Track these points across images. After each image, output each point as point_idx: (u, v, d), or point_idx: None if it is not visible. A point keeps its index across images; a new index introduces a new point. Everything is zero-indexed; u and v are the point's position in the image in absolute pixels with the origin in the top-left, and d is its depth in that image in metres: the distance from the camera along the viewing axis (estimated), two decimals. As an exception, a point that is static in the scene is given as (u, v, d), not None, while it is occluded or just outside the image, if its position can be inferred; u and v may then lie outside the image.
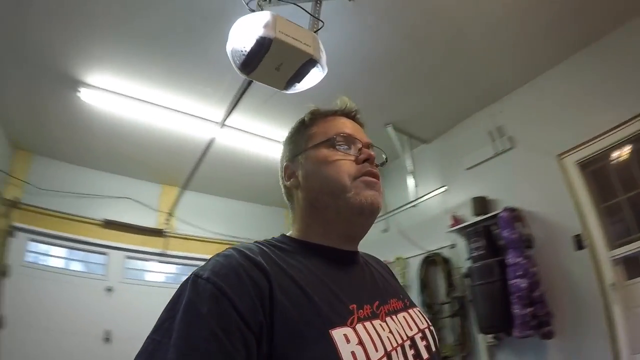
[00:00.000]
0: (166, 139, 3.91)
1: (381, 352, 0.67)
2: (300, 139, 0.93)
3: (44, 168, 4.36)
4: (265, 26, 1.73)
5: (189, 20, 2.56)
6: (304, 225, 0.88)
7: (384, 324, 0.73)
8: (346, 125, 0.92)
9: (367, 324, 0.70)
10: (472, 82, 3.34)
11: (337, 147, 0.87)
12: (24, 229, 4.03)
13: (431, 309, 3.56)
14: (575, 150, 2.98)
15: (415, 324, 0.82)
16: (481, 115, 3.66)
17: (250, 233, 5.01)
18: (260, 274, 0.67)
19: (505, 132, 3.43)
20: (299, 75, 1.97)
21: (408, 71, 3.19)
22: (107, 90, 3.25)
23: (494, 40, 2.92)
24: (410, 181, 3.88)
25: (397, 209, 3.97)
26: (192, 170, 3.99)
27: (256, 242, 0.81)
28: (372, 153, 0.87)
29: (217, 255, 0.71)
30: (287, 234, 0.89)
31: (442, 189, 3.55)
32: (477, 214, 3.34)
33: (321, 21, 2.10)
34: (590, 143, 2.90)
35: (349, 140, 0.89)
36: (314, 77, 1.97)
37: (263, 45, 1.74)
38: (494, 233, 3.17)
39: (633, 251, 2.61)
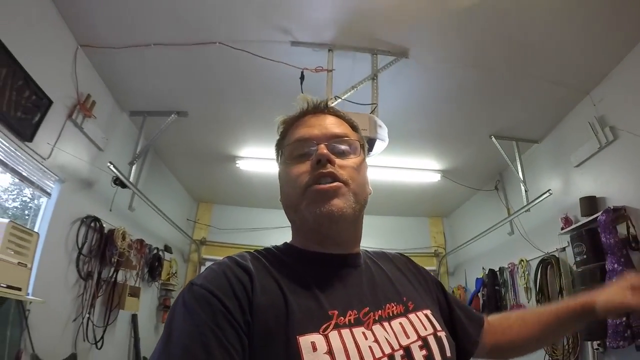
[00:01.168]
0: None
1: None
2: (277, 155, 0.98)
3: (222, 213, 6.12)
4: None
5: (293, 108, 3.47)
6: (294, 234, 0.91)
7: (368, 332, 0.72)
8: (306, 124, 0.91)
9: (345, 331, 0.69)
10: (562, 75, 3.27)
11: (294, 157, 0.87)
12: (211, 259, 5.70)
13: (548, 313, 3.69)
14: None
15: (415, 330, 0.78)
16: (582, 106, 3.55)
17: (399, 244, 5.86)
18: (245, 277, 0.72)
19: (607, 122, 3.24)
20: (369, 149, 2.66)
21: (489, 88, 3.46)
22: (254, 157, 4.61)
23: (566, 27, 2.80)
24: (522, 187, 4.09)
25: (514, 213, 4.26)
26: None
27: (256, 250, 0.86)
28: (323, 152, 0.82)
29: (213, 264, 0.77)
30: (289, 242, 0.92)
31: (546, 195, 3.70)
32: (585, 215, 3.27)
33: (375, 104, 2.76)
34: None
35: (303, 145, 0.87)
36: (379, 146, 2.66)
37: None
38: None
39: None
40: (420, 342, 0.75)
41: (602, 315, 0.94)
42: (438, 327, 0.82)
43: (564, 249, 3.65)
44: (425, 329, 0.79)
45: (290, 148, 0.89)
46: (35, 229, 2.78)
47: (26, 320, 2.54)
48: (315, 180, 0.80)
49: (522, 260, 4.27)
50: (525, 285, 4.15)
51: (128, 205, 4.02)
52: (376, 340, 0.71)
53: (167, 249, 4.96)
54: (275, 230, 5.70)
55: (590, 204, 3.32)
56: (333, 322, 0.70)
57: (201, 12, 2.74)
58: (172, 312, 0.68)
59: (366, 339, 0.70)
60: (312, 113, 0.94)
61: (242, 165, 4.69)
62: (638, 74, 2.94)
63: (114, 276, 3.63)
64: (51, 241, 2.87)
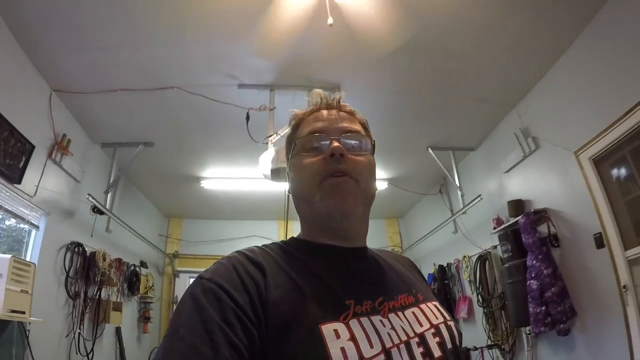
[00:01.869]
0: (268, 192, 5.42)
1: (377, 348, 0.67)
2: (288, 147, 0.97)
3: (191, 227, 6.62)
4: (272, 161, 2.97)
5: (245, 136, 3.80)
6: (303, 228, 0.92)
7: (385, 320, 0.74)
8: (320, 119, 0.92)
9: (364, 319, 0.71)
10: (487, 93, 3.73)
11: (307, 149, 0.88)
12: (184, 271, 6.32)
13: (487, 303, 4.28)
14: (589, 146, 2.97)
15: (428, 319, 0.81)
16: (509, 118, 4.03)
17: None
18: (257, 271, 0.73)
19: (530, 133, 3.69)
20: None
21: (420, 109, 4.01)
22: (216, 177, 5.13)
23: (487, 53, 3.22)
24: (458, 193, 4.67)
25: (455, 213, 4.86)
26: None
27: (264, 245, 0.86)
28: (335, 145, 0.84)
29: (222, 258, 0.77)
30: (296, 236, 0.93)
31: (478, 199, 4.26)
32: (512, 216, 3.73)
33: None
34: (603, 135, 2.83)
35: (317, 138, 0.88)
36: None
37: (275, 172, 2.98)
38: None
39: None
40: (433, 330, 0.79)
41: None
42: (447, 317, 0.86)
43: (495, 247, 4.19)
44: (437, 318, 0.83)
45: (303, 141, 0.90)
46: (27, 259, 3.24)
47: (27, 340, 3.00)
48: (329, 174, 0.82)
49: (465, 257, 4.89)
50: (468, 279, 4.76)
51: (105, 228, 4.48)
52: (393, 328, 0.73)
53: (143, 264, 5.44)
54: (241, 240, 6.34)
55: (516, 206, 3.83)
56: (351, 311, 0.71)
57: (159, 62, 3.25)
58: (179, 306, 0.68)
59: (384, 326, 0.72)
60: (325, 108, 0.95)
61: (205, 184, 5.29)
62: (555, 89, 3.38)
63: (98, 294, 4.12)
64: (43, 268, 3.30)
